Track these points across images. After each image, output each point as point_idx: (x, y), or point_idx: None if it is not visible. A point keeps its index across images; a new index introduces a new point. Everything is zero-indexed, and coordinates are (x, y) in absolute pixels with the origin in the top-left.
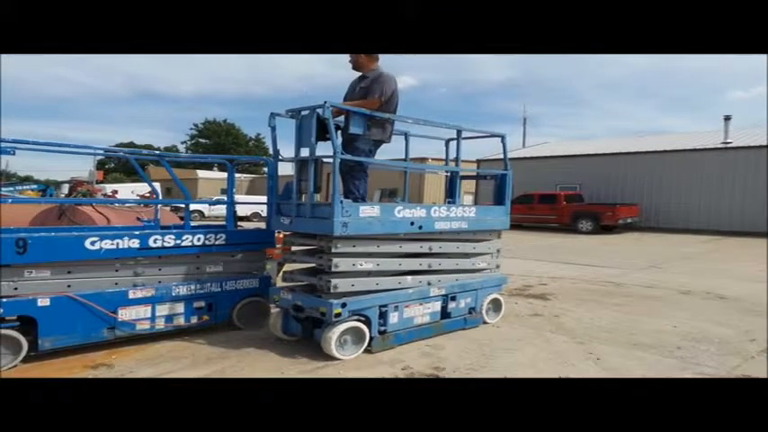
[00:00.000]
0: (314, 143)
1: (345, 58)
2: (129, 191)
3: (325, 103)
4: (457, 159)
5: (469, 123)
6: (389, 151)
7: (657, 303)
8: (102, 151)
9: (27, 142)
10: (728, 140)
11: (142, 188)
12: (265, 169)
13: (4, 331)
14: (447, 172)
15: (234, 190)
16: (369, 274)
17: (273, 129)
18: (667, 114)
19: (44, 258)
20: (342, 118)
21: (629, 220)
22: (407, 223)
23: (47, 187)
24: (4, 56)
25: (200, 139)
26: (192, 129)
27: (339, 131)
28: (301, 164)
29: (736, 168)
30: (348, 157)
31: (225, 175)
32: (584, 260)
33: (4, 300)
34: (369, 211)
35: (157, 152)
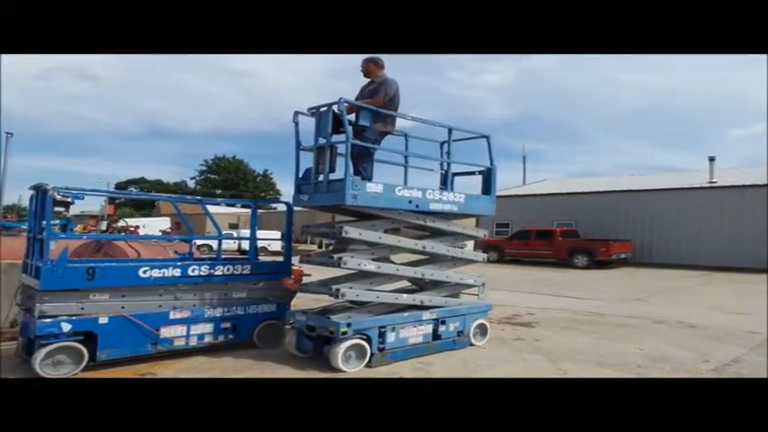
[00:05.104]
0: (330, 133)
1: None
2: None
3: (341, 99)
4: (449, 153)
5: (472, 159)
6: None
7: (631, 331)
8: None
9: (98, 191)
10: (714, 180)
11: (162, 223)
12: (273, 205)
13: (70, 344)
14: (442, 168)
15: (256, 227)
16: (371, 283)
17: (297, 124)
18: (665, 151)
19: (107, 283)
20: (353, 116)
21: (622, 256)
22: (406, 201)
23: (68, 222)
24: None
25: (210, 175)
26: (201, 165)
27: (351, 125)
28: (319, 150)
29: (721, 206)
30: (357, 142)
31: (231, 210)
32: (575, 293)
33: (73, 317)
34: (374, 187)
35: (198, 197)
